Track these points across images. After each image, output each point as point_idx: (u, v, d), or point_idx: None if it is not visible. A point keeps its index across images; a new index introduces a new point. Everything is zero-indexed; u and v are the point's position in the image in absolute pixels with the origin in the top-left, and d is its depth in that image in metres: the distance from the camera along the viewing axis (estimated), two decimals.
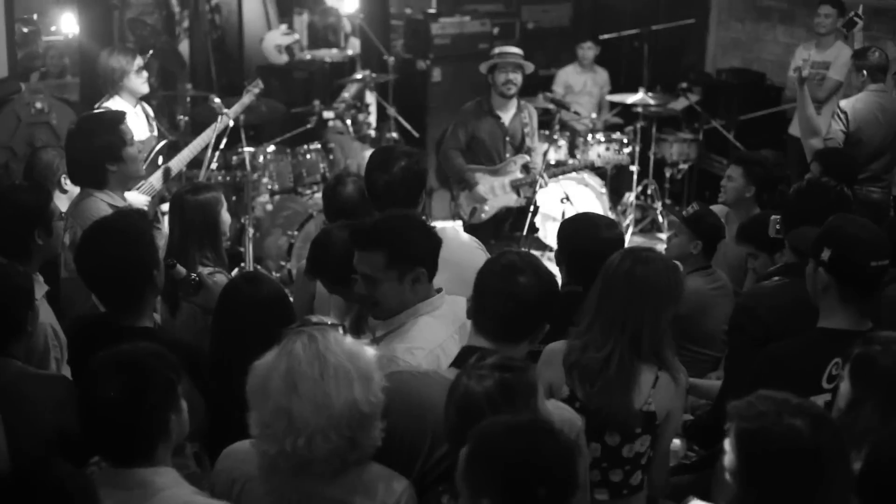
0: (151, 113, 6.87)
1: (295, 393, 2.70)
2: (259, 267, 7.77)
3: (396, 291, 3.64)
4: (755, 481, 2.53)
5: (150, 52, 9.24)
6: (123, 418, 2.82)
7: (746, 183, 6.13)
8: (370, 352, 2.89)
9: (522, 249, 3.84)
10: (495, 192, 7.76)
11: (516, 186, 7.71)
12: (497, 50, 7.93)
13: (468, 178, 7.65)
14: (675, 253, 5.61)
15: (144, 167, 6.46)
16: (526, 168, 7.74)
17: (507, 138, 7.77)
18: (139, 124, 6.67)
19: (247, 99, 7.31)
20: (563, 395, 3.64)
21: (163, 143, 6.72)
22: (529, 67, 7.81)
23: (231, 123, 7.14)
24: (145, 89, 6.74)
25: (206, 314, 4.53)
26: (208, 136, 6.85)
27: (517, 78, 7.67)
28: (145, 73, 6.74)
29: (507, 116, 7.76)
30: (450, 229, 4.91)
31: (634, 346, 3.55)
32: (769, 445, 2.52)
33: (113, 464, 2.87)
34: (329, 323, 2.90)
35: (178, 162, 6.54)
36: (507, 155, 7.80)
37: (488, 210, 7.78)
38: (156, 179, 6.27)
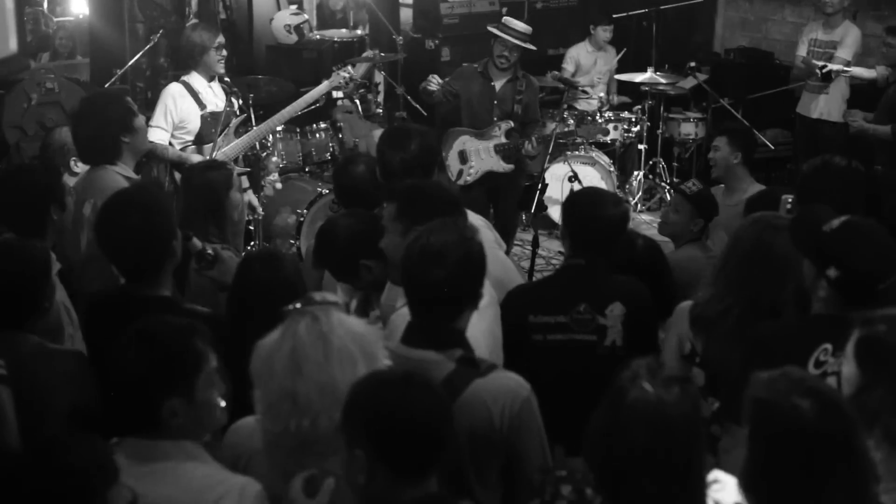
0: (229, 89, 7.03)
1: (299, 375, 2.69)
2: (268, 245, 7.80)
3: (397, 245, 3.64)
4: (760, 451, 2.56)
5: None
6: (141, 388, 2.82)
7: (732, 150, 6.23)
8: (374, 331, 2.88)
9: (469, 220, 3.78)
10: (480, 156, 7.81)
11: (500, 151, 7.76)
12: (505, 20, 7.94)
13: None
14: (676, 230, 5.62)
15: (221, 139, 6.76)
16: (509, 133, 7.77)
17: (496, 102, 7.81)
18: (213, 98, 6.80)
19: (333, 80, 7.62)
20: (686, 350, 3.76)
21: (242, 117, 6.89)
22: (530, 48, 7.88)
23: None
24: (221, 68, 6.90)
25: (219, 290, 4.55)
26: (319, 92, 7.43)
27: (512, 55, 7.72)
28: (224, 52, 6.87)
29: (499, 82, 7.80)
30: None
31: (752, 305, 3.66)
32: (772, 420, 2.54)
33: (137, 436, 2.85)
34: (332, 301, 2.87)
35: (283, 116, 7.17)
36: (495, 119, 7.84)
37: (473, 173, 7.83)
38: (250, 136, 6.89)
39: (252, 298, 3.77)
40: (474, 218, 4.75)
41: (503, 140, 7.76)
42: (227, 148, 6.79)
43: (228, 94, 7.00)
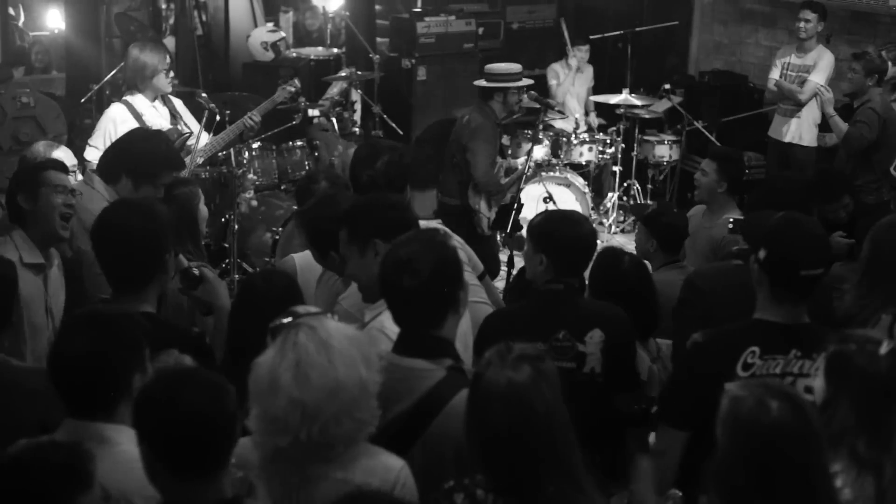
0: (181, 110, 6.95)
1: (307, 383, 2.73)
2: (243, 263, 7.79)
3: (361, 265, 3.74)
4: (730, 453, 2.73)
5: None
6: (88, 371, 2.93)
7: (719, 178, 6.20)
8: (365, 334, 2.98)
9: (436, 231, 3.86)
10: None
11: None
12: (494, 69, 7.91)
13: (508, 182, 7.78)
14: (639, 249, 5.73)
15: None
16: (507, 172, 7.81)
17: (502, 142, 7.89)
18: (158, 118, 6.74)
19: (279, 96, 7.56)
20: None
21: (184, 138, 6.83)
22: (530, 82, 7.97)
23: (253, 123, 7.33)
24: (169, 88, 6.82)
25: (203, 313, 4.51)
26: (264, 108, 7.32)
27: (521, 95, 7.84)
28: (172, 73, 6.82)
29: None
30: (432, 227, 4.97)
31: None
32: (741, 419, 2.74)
33: (75, 416, 2.97)
34: (316, 311, 2.91)
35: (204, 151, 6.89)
36: (499, 160, 7.91)
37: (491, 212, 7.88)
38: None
39: (254, 316, 3.66)
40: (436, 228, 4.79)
41: (505, 179, 7.84)
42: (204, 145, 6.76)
43: (174, 112, 6.95)
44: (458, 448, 3.16)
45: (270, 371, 2.77)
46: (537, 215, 4.55)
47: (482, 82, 7.80)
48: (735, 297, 3.99)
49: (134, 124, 6.50)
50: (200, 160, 7.01)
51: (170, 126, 6.78)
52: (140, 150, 5.25)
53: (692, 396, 3.60)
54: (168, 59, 6.79)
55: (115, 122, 6.53)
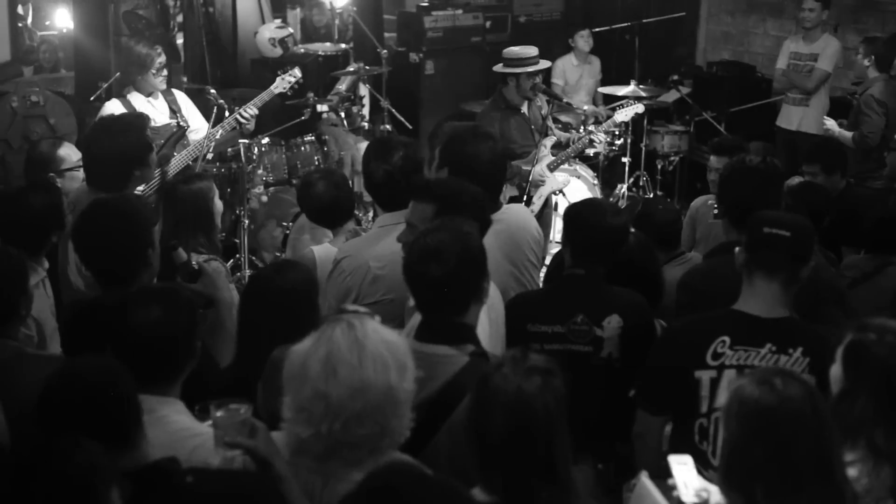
0: (182, 103, 6.93)
1: (334, 378, 2.73)
2: (254, 258, 7.81)
3: None
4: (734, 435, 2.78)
5: None
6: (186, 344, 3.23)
7: None
8: (404, 341, 2.93)
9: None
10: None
11: (553, 168, 7.76)
12: (510, 53, 7.92)
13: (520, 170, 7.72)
14: None
15: (160, 152, 6.62)
16: (557, 146, 7.80)
17: (532, 127, 7.84)
18: (154, 113, 6.74)
19: (276, 86, 7.53)
20: None
21: (180, 131, 6.83)
22: (547, 65, 7.95)
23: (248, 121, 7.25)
24: (161, 85, 6.83)
25: (198, 303, 4.54)
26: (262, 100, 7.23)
27: (540, 80, 7.83)
28: (165, 72, 6.81)
29: (524, 108, 7.85)
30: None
31: None
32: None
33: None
34: (364, 312, 2.93)
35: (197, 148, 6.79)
36: (536, 141, 7.91)
37: (537, 202, 7.85)
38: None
39: (263, 310, 3.84)
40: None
41: (551, 157, 7.78)
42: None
43: (174, 107, 6.94)
44: None
45: (302, 360, 2.79)
46: (577, 202, 4.64)
47: (499, 67, 7.86)
48: (731, 288, 3.89)
49: None
50: (194, 159, 6.96)
51: (167, 121, 6.80)
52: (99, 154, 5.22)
53: (664, 382, 3.69)
54: (159, 59, 6.77)
55: None
